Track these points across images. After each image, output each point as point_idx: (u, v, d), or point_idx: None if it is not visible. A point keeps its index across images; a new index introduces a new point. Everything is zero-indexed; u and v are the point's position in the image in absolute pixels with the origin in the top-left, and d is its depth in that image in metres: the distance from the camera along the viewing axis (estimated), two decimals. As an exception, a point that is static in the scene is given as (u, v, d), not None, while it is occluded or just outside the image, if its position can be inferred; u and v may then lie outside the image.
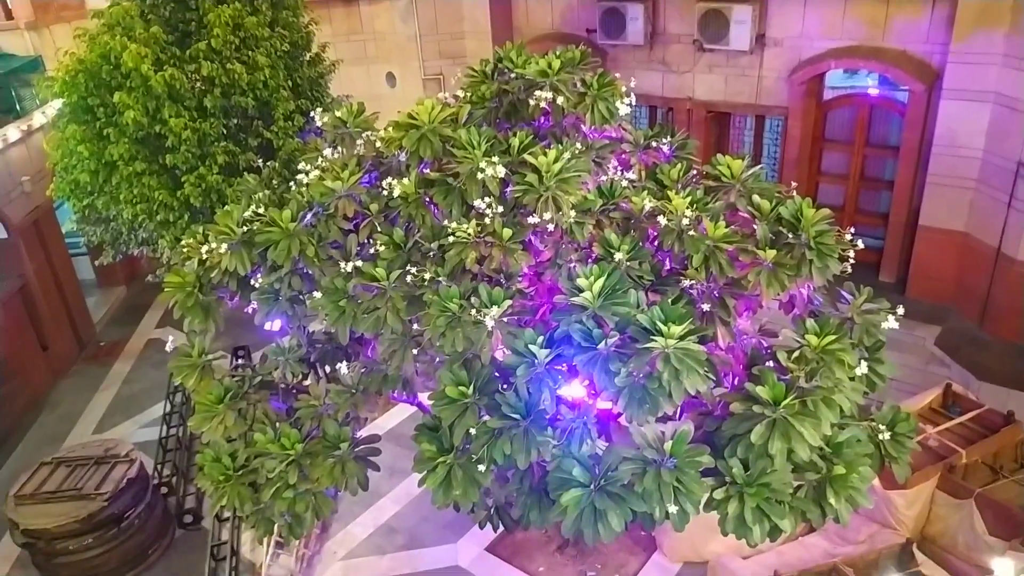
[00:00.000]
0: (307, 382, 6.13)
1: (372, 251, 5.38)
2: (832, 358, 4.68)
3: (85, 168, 9.89)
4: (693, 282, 5.08)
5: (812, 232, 5.02)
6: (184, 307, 5.79)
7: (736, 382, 5.20)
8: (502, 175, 5.08)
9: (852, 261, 5.18)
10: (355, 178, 5.47)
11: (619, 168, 5.90)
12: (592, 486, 4.65)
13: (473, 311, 4.75)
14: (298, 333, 6.03)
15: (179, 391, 10.53)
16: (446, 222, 5.18)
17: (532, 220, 4.98)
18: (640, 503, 4.57)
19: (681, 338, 4.43)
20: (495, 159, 5.06)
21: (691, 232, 5.06)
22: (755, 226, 5.24)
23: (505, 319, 4.80)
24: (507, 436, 4.76)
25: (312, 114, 6.19)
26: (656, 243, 5.32)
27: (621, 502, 4.60)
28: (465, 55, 13.69)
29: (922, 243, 10.55)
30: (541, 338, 4.79)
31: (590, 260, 5.19)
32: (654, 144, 6.16)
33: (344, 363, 5.82)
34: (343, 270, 5.23)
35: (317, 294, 5.32)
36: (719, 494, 4.67)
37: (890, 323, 5.21)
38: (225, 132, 9.98)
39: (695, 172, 5.98)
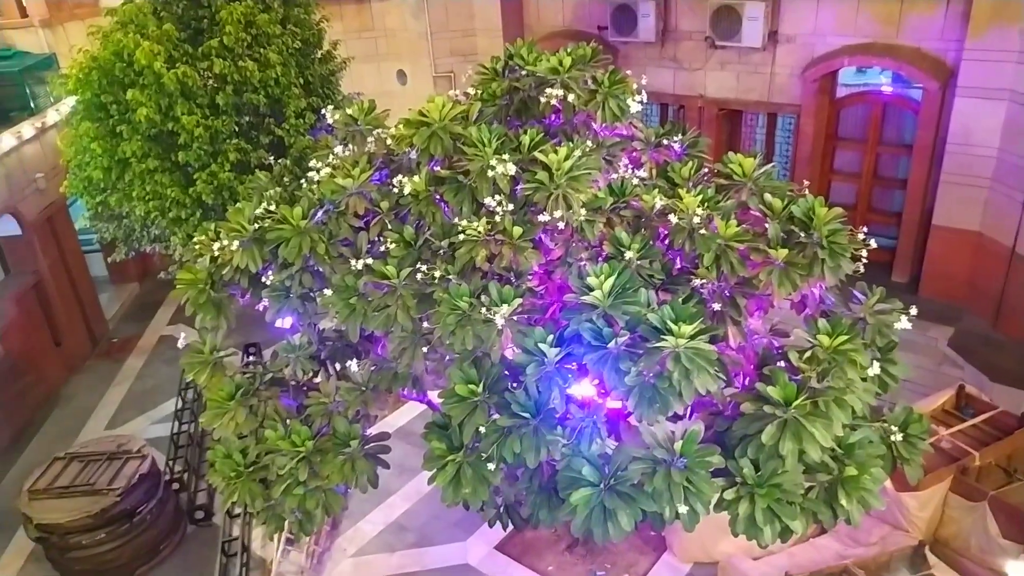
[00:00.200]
0: (317, 379, 6.15)
1: (382, 249, 5.38)
2: (844, 358, 4.64)
3: (98, 165, 9.96)
4: (704, 281, 5.05)
5: (824, 231, 4.97)
6: (196, 304, 5.81)
7: (747, 382, 5.17)
8: (512, 173, 5.07)
9: (864, 261, 5.13)
10: (366, 175, 5.47)
11: (630, 166, 5.87)
12: (602, 485, 4.64)
13: (483, 309, 4.75)
14: (309, 330, 6.04)
15: (191, 387, 10.61)
16: (456, 220, 5.18)
17: (542, 218, 4.97)
18: (650, 503, 4.56)
19: (692, 337, 4.41)
20: (505, 157, 5.06)
21: (702, 231, 5.03)
22: (767, 225, 5.20)
23: (515, 317, 4.79)
24: (516, 435, 4.75)
25: (323, 111, 6.19)
26: (667, 242, 5.30)
27: (631, 501, 4.59)
28: (476, 52, 13.69)
29: (935, 243, 10.46)
30: (551, 337, 4.78)
31: (600, 258, 5.17)
32: (665, 142, 6.13)
33: (354, 360, 5.82)
34: (353, 268, 5.24)
35: (328, 291, 5.33)
36: (730, 494, 4.65)
37: (903, 323, 5.16)
38: (237, 129, 10.02)
39: (706, 170, 5.95)
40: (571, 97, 5.47)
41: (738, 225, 5.09)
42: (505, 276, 5.13)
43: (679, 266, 5.43)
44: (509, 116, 5.88)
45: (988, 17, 9.09)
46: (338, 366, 6.24)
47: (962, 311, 10.29)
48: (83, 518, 7.80)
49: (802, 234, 5.06)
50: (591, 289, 4.72)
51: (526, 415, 4.76)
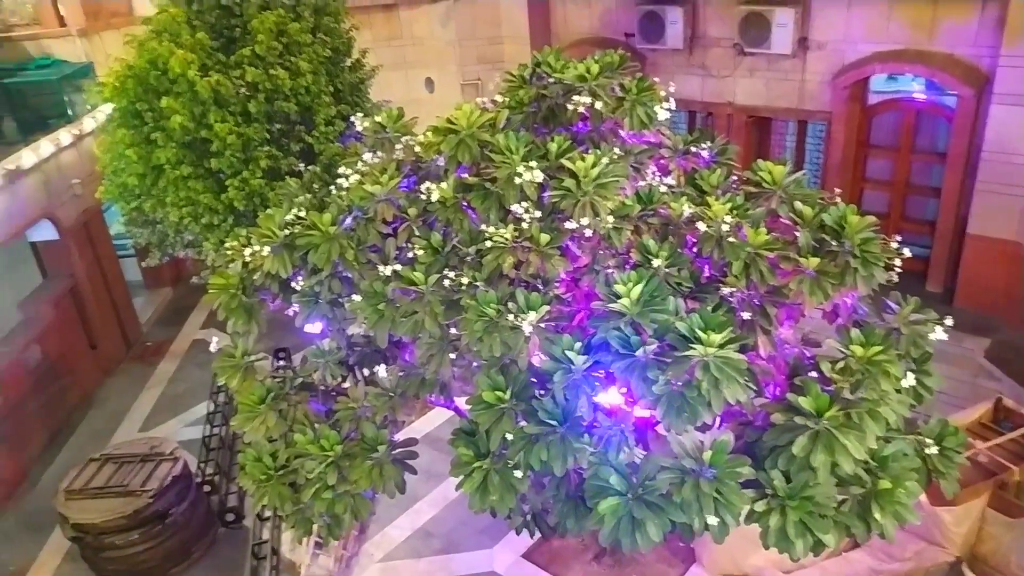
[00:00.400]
0: (346, 384, 6.19)
1: (410, 255, 5.41)
2: (878, 369, 4.56)
3: (133, 171, 10.15)
4: (733, 289, 4.99)
5: (856, 240, 4.90)
6: (228, 309, 5.89)
7: (777, 392, 5.10)
8: (540, 180, 5.07)
9: (898, 270, 5.05)
10: (394, 182, 5.52)
11: (657, 173, 5.84)
12: (629, 495, 4.60)
13: (510, 316, 4.75)
14: (338, 336, 6.09)
15: (222, 391, 10.73)
16: (484, 227, 5.18)
17: (569, 225, 4.97)
18: (679, 513, 4.51)
19: (721, 346, 4.36)
20: (533, 164, 5.06)
21: (731, 239, 4.98)
22: (797, 233, 5.14)
23: (542, 325, 4.79)
24: (544, 442, 4.74)
25: (352, 119, 6.26)
26: (695, 250, 5.26)
27: (659, 512, 4.54)
28: (503, 60, 13.73)
29: (970, 252, 10.26)
30: (578, 344, 4.77)
31: (628, 266, 5.15)
32: (693, 149, 6.10)
33: (382, 366, 5.86)
34: (382, 274, 5.27)
35: (356, 297, 5.37)
36: (760, 506, 4.58)
37: (938, 334, 5.06)
38: (268, 137, 10.16)
39: (735, 178, 5.90)
40: (599, 104, 5.46)
41: (768, 233, 5.04)
42: (532, 283, 5.12)
43: (707, 274, 5.38)
44: (536, 123, 5.88)
45: (1025, 22, 8.93)
46: (366, 371, 6.28)
47: (999, 322, 10.06)
48: (117, 519, 7.94)
49: (833, 243, 4.99)
50: (619, 297, 4.69)
51: (553, 423, 4.75)
